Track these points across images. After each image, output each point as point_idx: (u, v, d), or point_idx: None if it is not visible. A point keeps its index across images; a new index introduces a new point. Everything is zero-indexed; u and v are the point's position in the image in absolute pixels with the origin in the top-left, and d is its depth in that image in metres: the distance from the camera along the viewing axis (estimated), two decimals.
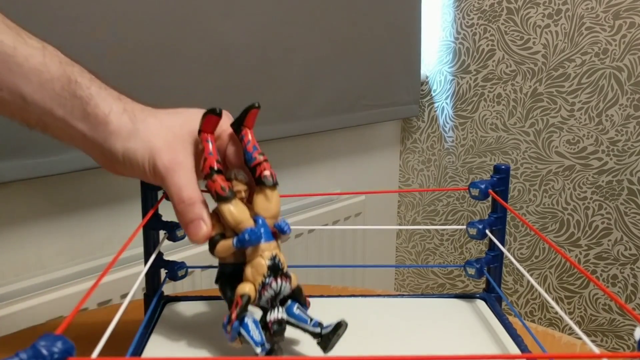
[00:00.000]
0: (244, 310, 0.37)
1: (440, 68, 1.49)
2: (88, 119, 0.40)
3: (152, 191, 0.48)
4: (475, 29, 1.41)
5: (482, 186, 0.49)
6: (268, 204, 0.40)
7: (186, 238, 0.50)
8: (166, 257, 0.51)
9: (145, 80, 0.85)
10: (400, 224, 1.64)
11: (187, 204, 0.39)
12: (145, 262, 0.47)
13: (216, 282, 0.41)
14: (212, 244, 0.40)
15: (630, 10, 1.21)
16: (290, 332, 0.40)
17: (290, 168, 1.22)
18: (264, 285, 0.38)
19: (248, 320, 0.37)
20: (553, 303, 0.36)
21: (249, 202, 0.41)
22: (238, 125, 0.42)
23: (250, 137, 0.42)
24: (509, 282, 1.47)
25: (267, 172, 0.40)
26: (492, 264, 0.51)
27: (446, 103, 1.50)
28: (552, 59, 1.31)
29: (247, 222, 0.39)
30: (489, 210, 0.51)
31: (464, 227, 0.50)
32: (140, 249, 0.49)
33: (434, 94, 1.52)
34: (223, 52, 0.95)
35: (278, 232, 0.40)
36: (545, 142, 1.36)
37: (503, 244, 0.49)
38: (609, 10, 1.23)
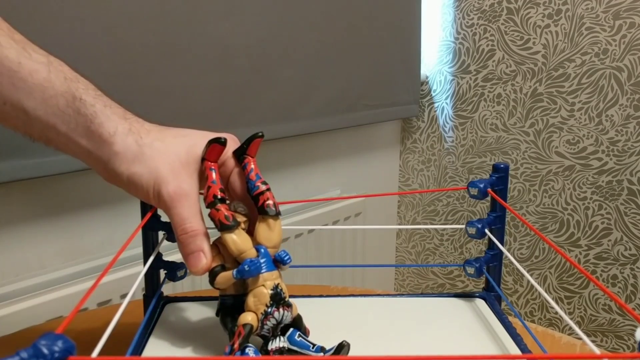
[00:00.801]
0: (246, 340, 0.37)
1: (440, 68, 1.49)
2: (92, 137, 0.40)
3: None
4: (475, 29, 1.41)
5: (481, 185, 0.49)
6: (270, 233, 0.41)
7: None
8: (165, 258, 0.51)
9: (145, 80, 0.85)
10: (400, 224, 1.64)
11: (190, 235, 0.39)
12: (145, 262, 0.47)
13: (217, 314, 0.41)
14: (213, 275, 0.40)
15: (630, 10, 1.21)
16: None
17: (290, 168, 1.22)
18: (266, 315, 0.38)
19: (249, 350, 0.37)
20: (553, 303, 0.36)
21: (249, 232, 0.41)
22: (241, 154, 0.43)
23: (253, 165, 0.42)
24: (509, 282, 1.47)
25: (269, 202, 0.40)
26: (492, 262, 0.51)
27: (446, 103, 1.50)
28: (552, 59, 1.31)
29: (250, 251, 0.39)
30: (489, 210, 0.51)
31: (464, 226, 0.50)
32: (139, 249, 0.49)
33: (434, 94, 1.52)
34: (223, 52, 0.95)
35: (279, 263, 0.40)
36: (545, 142, 1.36)
37: (502, 243, 0.49)
38: (609, 10, 1.23)
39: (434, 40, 1.49)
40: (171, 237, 0.49)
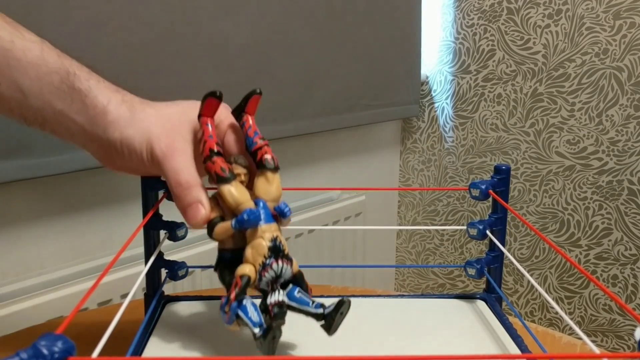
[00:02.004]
0: (243, 292, 0.36)
1: (440, 68, 1.49)
2: (87, 111, 0.40)
3: (152, 191, 0.48)
4: (476, 29, 1.41)
5: (483, 187, 0.49)
6: (269, 187, 0.40)
7: (187, 238, 0.50)
8: (166, 257, 0.51)
9: (145, 80, 0.85)
10: (400, 224, 1.64)
11: (185, 187, 0.38)
12: (146, 262, 0.47)
13: (215, 268, 0.40)
14: (211, 226, 0.39)
15: (630, 10, 1.21)
16: (293, 329, 0.40)
17: (290, 168, 1.22)
18: (264, 267, 0.37)
19: (247, 303, 0.36)
20: (553, 303, 0.36)
21: (248, 188, 0.40)
22: (239, 112, 0.42)
23: (251, 122, 0.42)
24: (509, 282, 1.47)
25: (268, 156, 0.40)
26: (493, 264, 0.51)
27: (446, 103, 1.50)
28: (552, 59, 1.31)
29: (248, 203, 0.38)
30: (489, 211, 0.51)
31: (464, 227, 0.50)
32: (140, 249, 0.49)
33: (434, 94, 1.52)
34: (223, 52, 0.95)
35: (279, 216, 0.39)
36: (545, 142, 1.36)
37: (503, 245, 0.49)
38: (609, 10, 1.23)
39: (434, 40, 1.49)
40: (172, 236, 0.49)
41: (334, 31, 1.18)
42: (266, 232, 0.38)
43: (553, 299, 1.42)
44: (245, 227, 0.37)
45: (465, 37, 1.43)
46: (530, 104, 1.36)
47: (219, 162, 0.39)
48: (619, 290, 1.33)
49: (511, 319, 0.48)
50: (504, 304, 0.52)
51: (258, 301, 0.38)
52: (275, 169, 0.40)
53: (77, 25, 0.76)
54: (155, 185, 0.48)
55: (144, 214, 0.48)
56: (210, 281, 0.98)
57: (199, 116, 0.40)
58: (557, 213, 1.38)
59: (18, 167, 0.74)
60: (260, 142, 0.40)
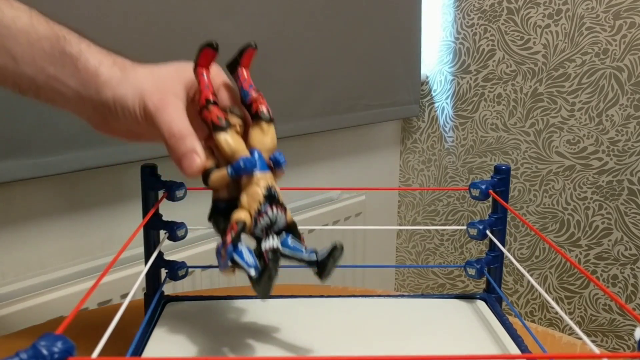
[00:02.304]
0: (238, 236, 0.36)
1: (440, 68, 1.49)
2: (79, 74, 0.40)
3: (152, 191, 0.48)
4: (476, 29, 1.41)
5: (483, 187, 0.49)
6: (264, 137, 0.40)
7: (187, 238, 0.50)
8: (166, 257, 0.51)
9: None
10: (400, 224, 1.64)
11: (178, 137, 0.38)
12: (146, 262, 0.47)
13: (209, 218, 0.40)
14: (206, 174, 0.39)
15: (630, 10, 1.21)
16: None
17: (290, 168, 1.21)
18: (259, 213, 0.37)
19: (242, 247, 0.36)
20: (553, 303, 0.36)
21: (243, 139, 0.40)
22: (234, 66, 0.43)
23: (246, 75, 0.42)
24: (509, 282, 1.47)
25: (263, 107, 0.40)
26: (493, 264, 0.51)
27: (446, 103, 1.50)
28: (553, 59, 1.31)
29: (243, 152, 0.39)
30: (489, 211, 0.51)
31: (464, 227, 0.50)
32: (140, 249, 0.49)
33: (434, 94, 1.52)
34: (223, 52, 0.95)
35: (274, 167, 0.40)
36: (545, 142, 1.36)
37: (503, 245, 0.49)
38: (609, 10, 1.23)
39: (434, 40, 1.49)
40: (172, 236, 0.49)
41: (334, 31, 1.18)
42: (261, 180, 0.38)
43: (553, 299, 1.42)
44: (240, 175, 0.38)
45: (465, 37, 1.43)
46: (530, 104, 1.36)
47: (215, 110, 0.39)
48: (619, 290, 1.33)
49: (511, 319, 0.48)
50: (504, 304, 0.52)
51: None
52: (271, 121, 0.41)
53: (76, 25, 0.76)
54: (155, 185, 0.48)
55: (144, 214, 0.48)
56: (210, 281, 0.98)
57: (195, 67, 0.41)
58: (557, 213, 1.38)
59: (18, 167, 0.73)
60: (255, 94, 0.41)
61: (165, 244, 0.48)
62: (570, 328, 1.34)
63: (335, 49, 1.19)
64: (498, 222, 0.50)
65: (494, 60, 1.40)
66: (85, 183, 0.86)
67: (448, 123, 1.50)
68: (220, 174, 0.38)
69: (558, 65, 1.31)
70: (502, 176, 0.50)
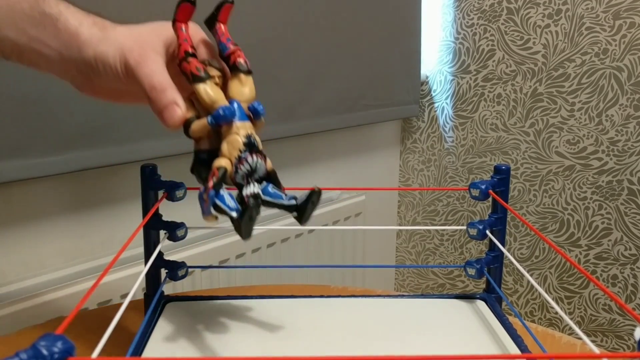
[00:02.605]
0: (220, 181, 0.37)
1: (440, 68, 1.49)
2: (60, 35, 0.41)
3: (152, 191, 0.48)
4: (475, 29, 1.41)
5: (483, 187, 0.49)
6: (242, 88, 0.41)
7: (187, 238, 0.50)
8: (166, 257, 0.51)
9: None
10: (400, 224, 1.64)
11: (159, 90, 0.39)
12: (146, 262, 0.47)
13: (191, 170, 0.41)
14: (187, 124, 0.40)
15: (630, 10, 1.21)
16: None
17: (290, 168, 1.22)
18: (240, 160, 0.38)
19: (223, 193, 0.37)
20: (553, 303, 0.36)
21: (223, 91, 0.41)
22: (212, 21, 0.43)
23: (224, 29, 0.43)
24: (509, 282, 1.47)
25: (241, 59, 0.41)
26: (492, 264, 0.51)
27: (446, 103, 1.50)
28: (552, 59, 1.31)
29: (222, 101, 0.40)
30: (489, 211, 0.51)
31: (464, 227, 0.50)
32: (140, 249, 0.49)
33: (434, 94, 1.52)
34: None
35: (253, 116, 0.41)
36: (545, 142, 1.36)
37: (503, 245, 0.49)
38: (609, 10, 1.23)
39: (434, 40, 1.49)
40: (172, 236, 0.49)
41: (334, 31, 1.18)
42: (241, 129, 0.39)
43: (553, 299, 1.42)
44: (220, 123, 0.39)
45: (465, 37, 1.43)
46: (530, 104, 1.36)
47: (194, 62, 0.40)
48: (619, 290, 1.33)
49: (511, 319, 0.48)
50: (503, 304, 0.52)
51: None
52: (248, 72, 0.42)
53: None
54: (155, 185, 0.48)
55: (144, 214, 0.48)
56: (210, 281, 0.98)
57: (174, 22, 0.42)
58: (557, 213, 1.38)
59: (18, 167, 0.73)
60: (232, 47, 0.42)
61: (165, 244, 0.48)
62: (570, 328, 1.34)
63: (335, 49, 1.19)
64: (498, 222, 0.50)
65: (493, 60, 1.40)
66: (85, 183, 0.86)
67: (448, 123, 1.50)
68: (200, 124, 0.39)
69: (558, 65, 1.31)
70: (502, 176, 0.50)
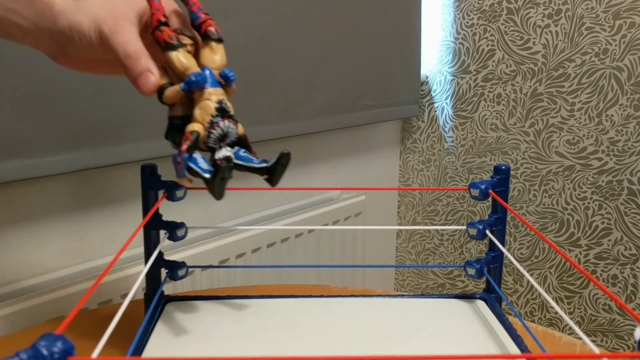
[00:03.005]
0: (193, 145, 0.39)
1: (440, 68, 1.49)
2: (35, 5, 0.42)
3: (152, 191, 0.48)
4: (475, 29, 1.41)
5: (483, 187, 0.49)
6: (213, 55, 0.43)
7: (187, 238, 0.50)
8: (166, 257, 0.51)
9: None
10: (400, 224, 1.64)
11: (134, 57, 0.40)
12: (146, 262, 0.47)
13: (165, 136, 0.42)
14: (161, 91, 0.41)
15: (630, 10, 1.21)
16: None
17: (290, 168, 1.21)
18: (212, 124, 0.40)
19: (197, 156, 0.39)
20: (553, 303, 0.36)
21: (195, 58, 0.43)
22: None
23: (195, 0, 0.44)
24: (509, 282, 1.47)
25: (212, 28, 0.43)
26: (492, 264, 0.51)
27: (446, 103, 1.50)
28: (552, 59, 1.31)
29: (194, 68, 0.41)
30: (489, 211, 0.51)
31: (464, 227, 0.50)
32: (140, 249, 0.49)
33: (434, 94, 1.52)
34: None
35: (225, 83, 0.42)
36: (545, 142, 1.36)
37: (503, 245, 0.49)
38: (609, 10, 1.23)
39: (434, 40, 1.49)
40: (172, 236, 0.49)
41: (334, 31, 1.18)
42: (212, 95, 0.40)
43: (553, 299, 1.42)
44: (193, 89, 0.40)
45: (465, 37, 1.43)
46: (530, 104, 1.36)
47: (166, 30, 0.41)
48: (619, 290, 1.33)
49: (511, 318, 0.48)
50: (503, 303, 0.52)
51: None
52: (219, 40, 0.43)
53: None
54: (155, 185, 0.48)
55: (144, 214, 0.48)
56: (210, 281, 0.98)
57: None
58: (557, 213, 1.38)
59: (18, 167, 0.73)
60: (204, 16, 0.43)
61: (165, 244, 0.48)
62: (570, 328, 1.34)
63: (335, 49, 1.19)
64: (498, 222, 0.50)
65: (493, 60, 1.40)
66: (85, 183, 0.86)
67: (448, 123, 1.50)
68: (174, 90, 0.41)
69: (558, 65, 1.31)
70: (501, 176, 0.50)
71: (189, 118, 0.41)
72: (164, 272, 0.51)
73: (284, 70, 1.08)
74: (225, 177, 0.38)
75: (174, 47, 0.41)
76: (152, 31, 0.42)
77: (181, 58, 0.41)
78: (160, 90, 0.41)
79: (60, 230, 0.85)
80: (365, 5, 1.25)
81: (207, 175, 0.38)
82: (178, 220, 0.49)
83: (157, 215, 0.48)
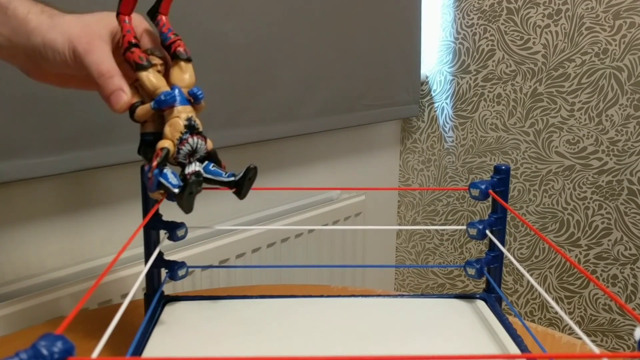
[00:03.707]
0: (163, 160, 0.41)
1: (440, 68, 1.49)
2: (9, 22, 0.43)
3: None
4: (475, 29, 1.41)
5: (482, 186, 0.49)
6: (182, 75, 0.45)
7: (187, 238, 0.50)
8: (166, 257, 0.51)
9: None
10: (400, 224, 1.64)
11: (107, 77, 0.42)
12: (146, 262, 0.47)
13: (138, 151, 0.44)
14: (133, 109, 0.43)
15: (630, 10, 1.21)
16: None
17: (290, 168, 1.22)
18: (181, 141, 0.42)
19: (167, 171, 0.41)
20: (553, 303, 0.36)
21: (165, 77, 0.44)
22: (154, 12, 0.46)
23: (165, 20, 0.46)
24: (509, 282, 1.47)
25: (180, 48, 0.45)
26: (492, 264, 0.51)
27: (446, 103, 1.50)
28: (552, 59, 1.31)
29: (164, 88, 0.43)
30: (489, 211, 0.51)
31: (464, 227, 0.50)
32: (140, 249, 0.49)
33: (434, 94, 1.52)
34: (223, 52, 0.95)
35: (194, 101, 0.44)
36: (545, 142, 1.36)
37: (503, 244, 0.49)
38: (609, 10, 1.23)
39: (434, 40, 1.49)
40: (172, 236, 0.49)
41: (334, 31, 1.18)
42: (182, 113, 0.42)
43: (553, 299, 1.42)
44: (162, 107, 0.42)
45: (465, 37, 1.43)
46: (530, 104, 1.36)
47: (137, 51, 0.43)
48: (619, 290, 1.33)
49: (511, 318, 0.48)
50: (503, 303, 0.52)
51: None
52: (188, 60, 0.45)
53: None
54: None
55: (144, 214, 0.48)
56: (210, 281, 0.98)
57: (117, 14, 0.44)
58: (557, 213, 1.38)
59: (18, 167, 0.73)
60: (173, 37, 0.45)
61: (165, 244, 0.48)
62: (570, 328, 1.34)
63: (335, 49, 1.19)
64: (498, 222, 0.50)
65: (493, 60, 1.40)
66: (85, 183, 0.86)
67: (448, 123, 1.50)
68: (144, 109, 0.43)
69: (558, 65, 1.31)
70: (501, 176, 0.50)
71: (160, 134, 0.42)
72: (163, 272, 0.50)
73: (284, 70, 1.08)
74: (192, 191, 0.41)
75: (144, 68, 0.43)
76: (123, 52, 0.43)
77: (151, 78, 0.43)
78: (132, 109, 0.43)
79: (59, 230, 0.85)
80: (365, 5, 1.25)
81: (175, 190, 0.40)
82: (178, 220, 0.49)
83: (157, 215, 0.48)
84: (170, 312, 0.49)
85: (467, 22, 1.42)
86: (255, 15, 1.00)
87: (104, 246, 0.91)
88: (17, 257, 0.81)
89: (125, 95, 0.42)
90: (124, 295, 0.84)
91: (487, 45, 1.40)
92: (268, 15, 1.03)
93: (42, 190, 0.82)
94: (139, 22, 0.46)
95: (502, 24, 1.36)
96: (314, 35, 1.13)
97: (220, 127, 0.97)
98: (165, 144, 0.41)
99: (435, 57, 1.50)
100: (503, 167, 0.50)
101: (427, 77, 1.52)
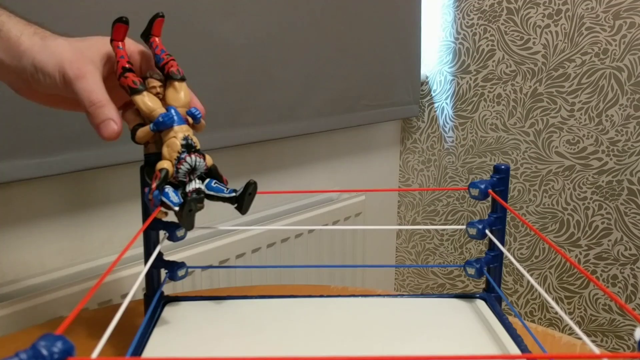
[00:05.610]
0: (163, 181, 0.41)
1: (440, 68, 1.49)
2: (2, 43, 0.43)
3: None
4: (475, 29, 1.41)
5: (482, 186, 0.49)
6: (177, 94, 0.45)
7: (187, 238, 0.50)
8: (166, 257, 0.51)
9: None
10: (400, 224, 1.64)
11: (98, 106, 0.42)
12: (146, 262, 0.47)
13: (141, 171, 0.45)
14: (133, 131, 0.44)
15: (630, 10, 1.21)
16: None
17: (290, 168, 1.22)
18: (179, 160, 0.42)
19: (168, 189, 0.42)
20: (553, 303, 0.36)
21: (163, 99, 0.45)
22: (147, 35, 0.47)
23: (158, 42, 0.47)
24: (509, 282, 1.47)
25: (174, 68, 0.46)
26: (492, 264, 0.51)
27: (446, 103, 1.50)
28: (552, 59, 1.31)
29: (160, 109, 0.44)
30: (489, 210, 0.51)
31: (464, 227, 0.50)
32: (140, 249, 0.49)
33: (434, 94, 1.52)
34: (223, 52, 0.95)
35: (192, 121, 0.45)
36: (545, 142, 1.36)
37: (503, 244, 0.49)
38: (609, 10, 1.23)
39: (434, 40, 1.49)
40: (172, 236, 0.49)
41: (334, 31, 1.18)
42: (178, 132, 0.43)
43: (553, 299, 1.42)
44: (161, 129, 0.43)
45: (465, 37, 1.43)
46: (530, 104, 1.36)
47: (131, 76, 0.44)
48: (619, 290, 1.33)
49: (511, 318, 0.48)
50: (503, 303, 0.52)
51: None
52: (182, 79, 0.46)
53: (74, 22, 0.76)
54: None
55: (144, 214, 0.48)
56: (210, 281, 0.98)
57: (111, 41, 0.45)
58: (557, 213, 1.38)
59: (18, 167, 0.73)
60: (166, 58, 0.46)
61: (165, 244, 0.48)
62: (570, 328, 1.34)
63: (335, 49, 1.19)
64: (497, 221, 0.50)
65: (493, 61, 1.40)
66: (85, 183, 0.86)
67: (448, 123, 1.50)
68: (144, 131, 0.43)
69: (558, 65, 1.31)
70: (501, 176, 0.50)
71: (161, 154, 0.43)
72: (163, 272, 0.50)
73: (284, 70, 1.08)
74: (192, 209, 0.42)
75: (138, 92, 0.43)
76: (118, 77, 0.44)
77: (146, 101, 0.44)
78: (133, 131, 0.44)
79: (59, 230, 0.85)
80: (365, 5, 1.25)
81: (176, 208, 0.41)
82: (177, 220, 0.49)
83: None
84: (170, 313, 0.49)
85: (467, 22, 1.42)
86: (255, 15, 1.00)
87: (104, 246, 0.91)
88: (17, 257, 0.81)
89: (115, 125, 0.42)
90: (124, 296, 0.84)
91: (487, 46, 1.40)
92: (268, 15, 1.03)
93: (42, 190, 0.82)
94: (133, 44, 0.47)
95: (502, 24, 1.36)
96: (314, 35, 1.13)
97: (220, 127, 0.97)
98: (163, 164, 0.42)
99: (435, 57, 1.50)
100: (503, 167, 0.50)
101: (427, 77, 1.52)
